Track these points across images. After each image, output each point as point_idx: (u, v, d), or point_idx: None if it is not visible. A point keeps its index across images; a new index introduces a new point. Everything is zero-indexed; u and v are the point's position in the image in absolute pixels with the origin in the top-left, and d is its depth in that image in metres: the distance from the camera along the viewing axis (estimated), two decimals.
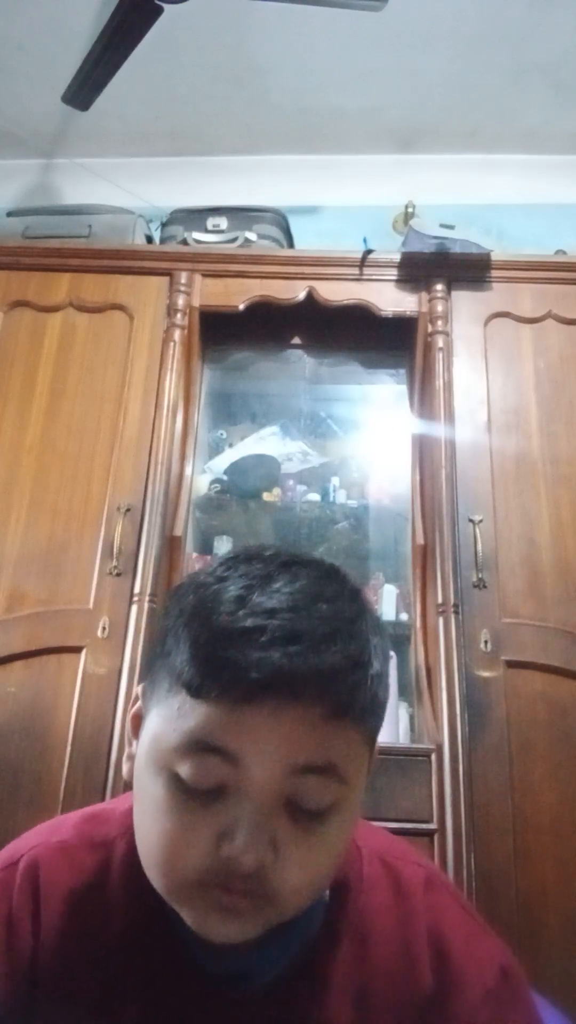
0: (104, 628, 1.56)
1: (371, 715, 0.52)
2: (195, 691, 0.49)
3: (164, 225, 2.22)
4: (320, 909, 0.60)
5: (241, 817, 0.48)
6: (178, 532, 1.74)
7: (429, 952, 0.59)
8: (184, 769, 0.49)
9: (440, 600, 1.58)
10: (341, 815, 0.51)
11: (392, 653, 1.64)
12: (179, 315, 1.88)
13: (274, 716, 0.48)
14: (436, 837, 1.38)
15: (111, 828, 0.63)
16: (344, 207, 2.49)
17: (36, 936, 0.59)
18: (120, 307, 1.91)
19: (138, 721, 0.56)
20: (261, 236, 2.11)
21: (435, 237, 1.91)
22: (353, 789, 0.52)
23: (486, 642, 1.52)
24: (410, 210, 2.39)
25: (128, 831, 0.57)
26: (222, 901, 0.49)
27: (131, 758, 0.56)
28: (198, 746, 0.49)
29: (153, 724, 0.53)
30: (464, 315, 1.87)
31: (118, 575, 1.61)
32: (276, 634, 0.48)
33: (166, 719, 0.51)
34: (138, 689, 0.58)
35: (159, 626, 0.55)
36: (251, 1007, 0.57)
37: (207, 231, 2.12)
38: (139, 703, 0.57)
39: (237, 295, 1.91)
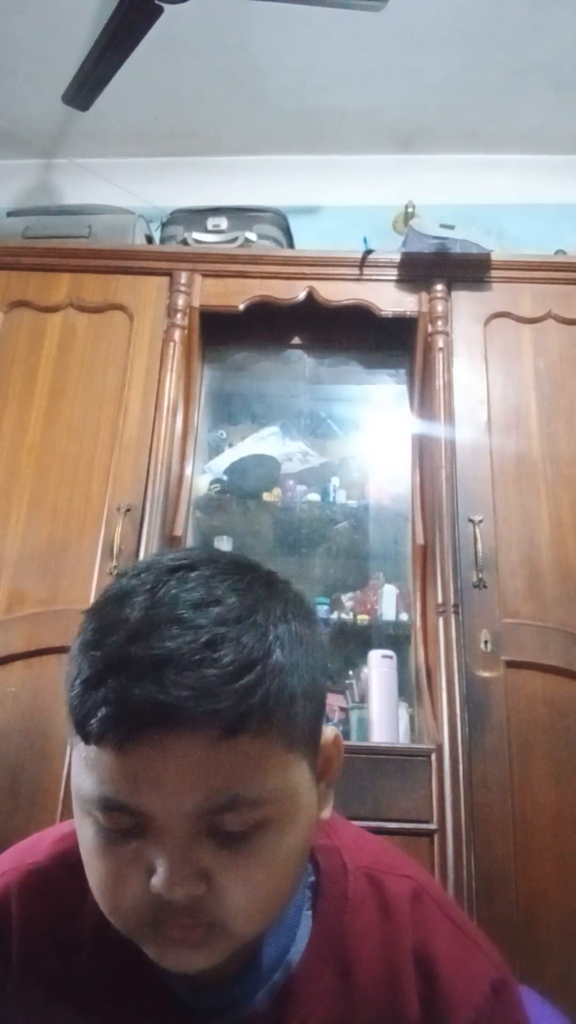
0: None
1: (279, 716, 0.48)
2: (85, 735, 0.47)
3: (164, 225, 2.22)
4: (303, 933, 0.58)
5: (160, 855, 0.46)
6: (178, 532, 1.74)
7: (416, 975, 0.57)
8: (100, 818, 0.48)
9: (440, 600, 1.58)
10: (274, 829, 0.48)
11: (392, 653, 1.65)
12: (179, 315, 1.88)
13: (162, 753, 0.45)
14: (436, 837, 1.38)
15: None
16: (344, 207, 2.49)
17: (6, 965, 0.57)
18: (120, 307, 1.91)
19: None
20: (261, 236, 2.11)
21: (435, 237, 1.91)
22: (280, 803, 0.48)
23: (486, 642, 1.52)
24: (410, 210, 2.39)
25: None
26: (172, 936, 0.48)
27: None
28: (103, 803, 0.47)
29: (72, 767, 0.51)
30: (464, 315, 1.87)
31: (118, 575, 1.61)
32: (148, 661, 0.45)
33: (77, 767, 0.50)
34: None
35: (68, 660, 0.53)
36: None
37: (207, 231, 2.12)
38: None
39: (237, 295, 1.91)
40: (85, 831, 0.50)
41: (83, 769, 0.48)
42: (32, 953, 0.57)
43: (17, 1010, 0.57)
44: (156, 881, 0.46)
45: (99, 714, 0.46)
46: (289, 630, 0.50)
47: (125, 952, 0.54)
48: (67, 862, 0.59)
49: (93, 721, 0.46)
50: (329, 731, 0.55)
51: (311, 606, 0.56)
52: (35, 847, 0.63)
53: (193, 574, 0.50)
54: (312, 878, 0.60)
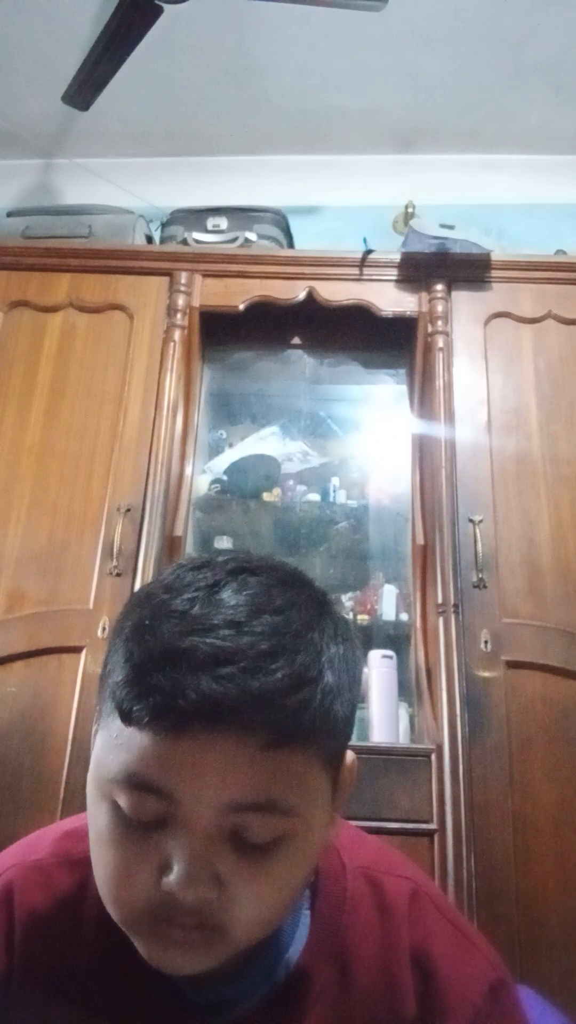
0: (104, 628, 1.56)
1: (323, 735, 0.48)
2: (126, 718, 0.46)
3: (164, 225, 2.22)
4: (301, 932, 0.58)
5: (179, 851, 0.46)
6: (178, 532, 1.74)
7: (413, 974, 0.57)
8: (122, 801, 0.47)
9: (440, 600, 1.58)
10: (294, 845, 0.48)
11: (392, 653, 1.65)
12: (179, 315, 1.88)
13: (207, 748, 0.45)
14: (436, 837, 1.38)
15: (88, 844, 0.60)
16: (344, 207, 2.49)
17: (10, 960, 0.58)
18: (120, 307, 1.91)
19: None
20: (261, 236, 2.11)
21: (435, 237, 1.91)
22: (306, 819, 0.48)
23: (486, 642, 1.52)
24: (410, 210, 2.39)
25: None
26: (171, 935, 0.47)
27: None
28: (132, 781, 0.46)
29: (97, 749, 0.50)
30: (464, 315, 1.87)
31: (118, 575, 1.61)
32: (208, 655, 0.45)
33: (106, 746, 0.49)
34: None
35: (108, 641, 0.52)
36: None
37: (207, 231, 2.12)
38: None
39: (237, 295, 1.91)
40: (99, 818, 0.49)
41: (113, 748, 0.48)
42: (34, 948, 0.58)
43: (19, 1005, 0.57)
44: (171, 879, 0.45)
45: (150, 700, 0.45)
46: (339, 653, 0.51)
47: (127, 948, 0.54)
48: (69, 859, 0.60)
49: (141, 705, 0.45)
50: (349, 756, 0.55)
51: (354, 630, 0.56)
52: (37, 844, 0.63)
53: (253, 579, 0.50)
54: (311, 878, 0.59)
